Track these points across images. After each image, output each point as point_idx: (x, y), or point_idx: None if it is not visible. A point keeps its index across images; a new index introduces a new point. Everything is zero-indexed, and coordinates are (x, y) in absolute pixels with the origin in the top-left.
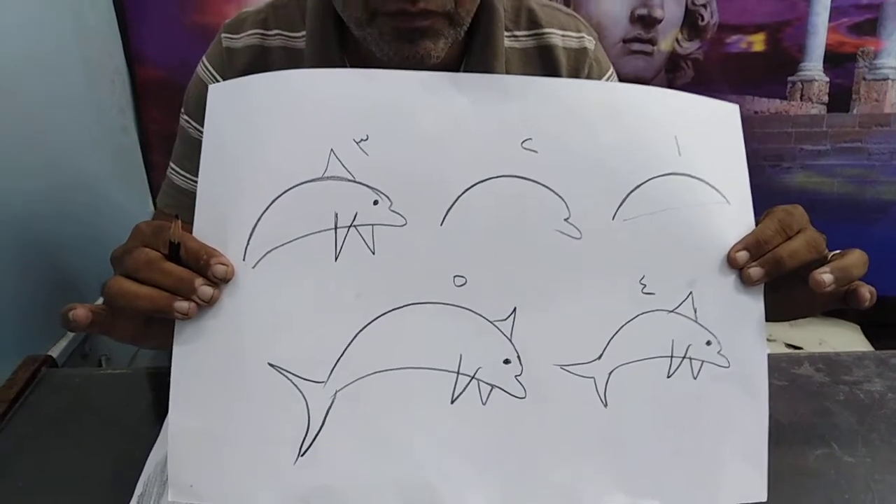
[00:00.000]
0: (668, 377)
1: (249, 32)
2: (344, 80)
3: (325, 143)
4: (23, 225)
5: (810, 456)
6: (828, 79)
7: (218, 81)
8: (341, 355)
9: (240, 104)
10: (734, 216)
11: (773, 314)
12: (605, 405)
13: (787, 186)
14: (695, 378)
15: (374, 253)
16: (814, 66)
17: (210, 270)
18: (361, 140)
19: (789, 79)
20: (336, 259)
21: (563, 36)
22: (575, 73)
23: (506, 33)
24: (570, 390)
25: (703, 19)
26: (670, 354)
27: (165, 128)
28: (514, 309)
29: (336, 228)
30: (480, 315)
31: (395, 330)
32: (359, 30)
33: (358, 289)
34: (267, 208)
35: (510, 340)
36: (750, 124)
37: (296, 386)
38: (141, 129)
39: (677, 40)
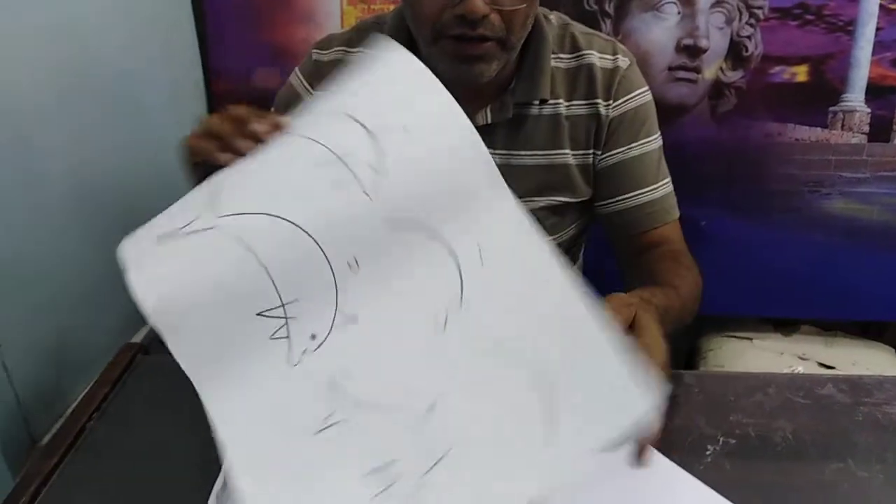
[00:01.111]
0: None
1: (336, 49)
2: None
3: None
4: (114, 218)
5: (826, 469)
6: (869, 110)
7: (307, 87)
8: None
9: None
10: None
11: None
12: None
13: (825, 212)
14: None
15: None
16: (856, 98)
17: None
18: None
19: (831, 109)
20: None
21: (600, 57)
22: (608, 87)
23: (552, 56)
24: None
25: (747, 50)
26: None
27: None
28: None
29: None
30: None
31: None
32: (426, 47)
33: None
34: None
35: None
36: (790, 151)
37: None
38: None
39: (721, 69)
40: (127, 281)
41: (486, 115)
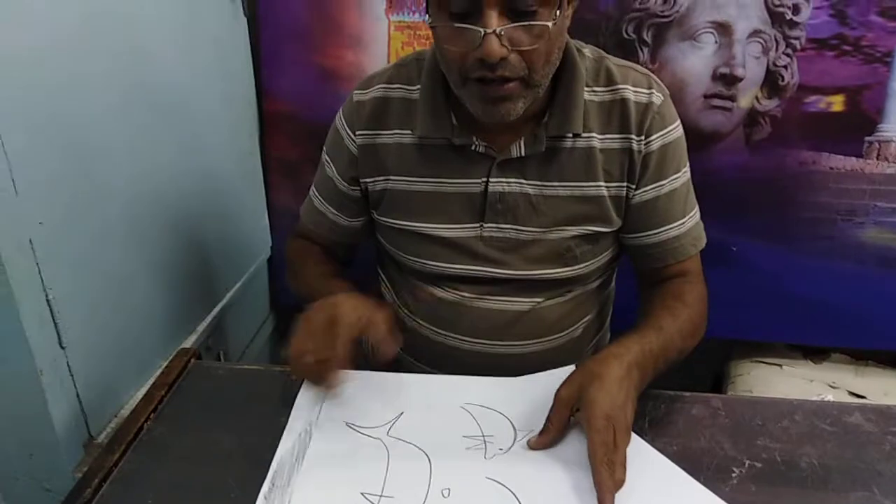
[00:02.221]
0: None
1: (376, 87)
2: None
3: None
4: (170, 228)
5: (851, 497)
6: None
7: (347, 130)
8: None
9: None
10: None
11: None
12: None
13: (859, 240)
14: None
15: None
16: (892, 128)
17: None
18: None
19: (866, 139)
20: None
21: (635, 91)
22: (641, 123)
23: (586, 89)
24: None
25: (783, 79)
26: None
27: (284, 153)
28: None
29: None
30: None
31: None
32: (456, 90)
33: None
34: None
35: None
36: (825, 179)
37: None
38: (263, 153)
39: (757, 98)
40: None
41: (520, 148)
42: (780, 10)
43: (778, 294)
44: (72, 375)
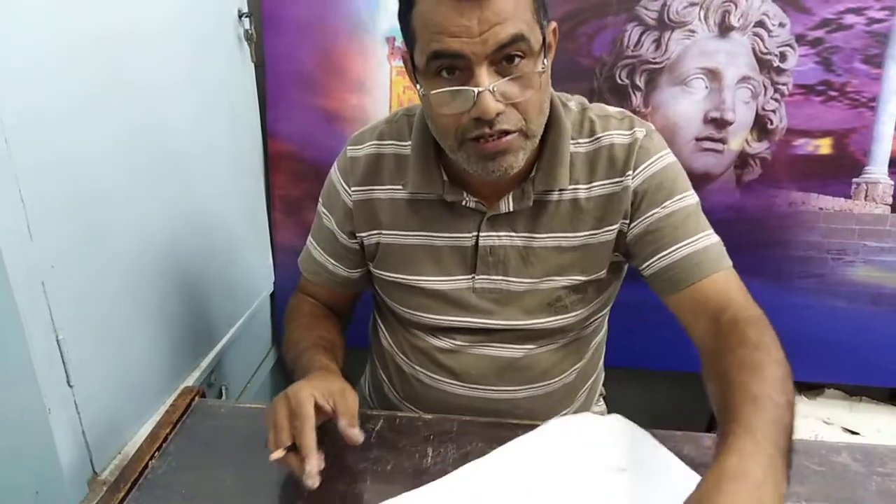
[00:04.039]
0: None
1: (368, 144)
2: None
3: None
4: (175, 269)
5: None
6: (892, 182)
7: (343, 185)
8: None
9: None
10: None
11: None
12: None
13: (849, 279)
14: None
15: None
16: (878, 170)
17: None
18: None
19: (854, 180)
20: None
21: (619, 135)
22: (627, 161)
23: (571, 141)
24: None
25: (772, 123)
26: None
27: (288, 192)
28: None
29: None
30: None
31: None
32: (452, 154)
33: None
34: None
35: None
36: (814, 219)
37: None
38: (268, 192)
39: (747, 140)
40: None
41: (509, 204)
42: (768, 57)
43: None
44: (78, 413)
